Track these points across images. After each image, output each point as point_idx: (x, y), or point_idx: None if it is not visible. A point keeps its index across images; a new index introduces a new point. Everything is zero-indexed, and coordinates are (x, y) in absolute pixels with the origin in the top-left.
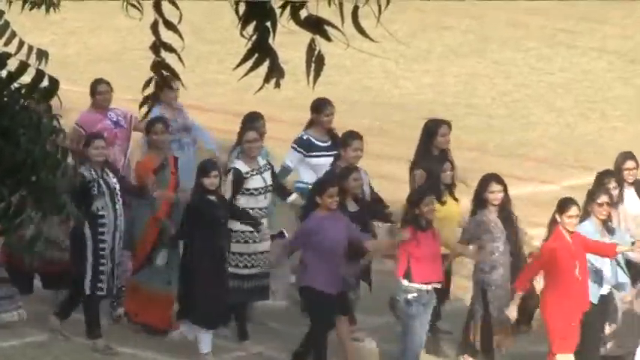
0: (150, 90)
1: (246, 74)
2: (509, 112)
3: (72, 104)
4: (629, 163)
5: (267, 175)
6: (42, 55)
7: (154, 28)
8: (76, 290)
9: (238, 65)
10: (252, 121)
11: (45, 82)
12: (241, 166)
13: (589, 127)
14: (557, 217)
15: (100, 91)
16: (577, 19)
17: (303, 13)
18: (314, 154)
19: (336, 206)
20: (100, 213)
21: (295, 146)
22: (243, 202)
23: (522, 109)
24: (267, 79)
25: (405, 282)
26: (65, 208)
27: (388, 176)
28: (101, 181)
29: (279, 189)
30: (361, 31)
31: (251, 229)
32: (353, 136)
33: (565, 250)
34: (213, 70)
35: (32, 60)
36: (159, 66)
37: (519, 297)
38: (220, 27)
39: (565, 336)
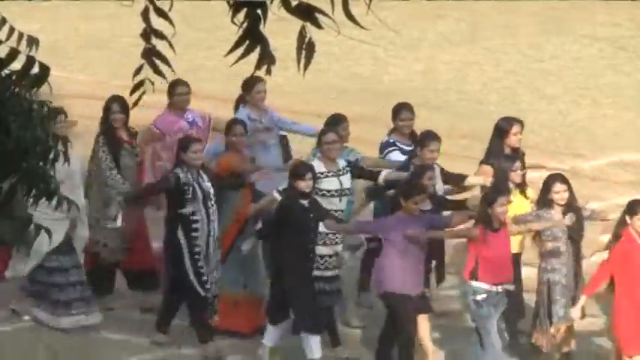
0: (140, 77)
1: (237, 61)
2: (500, 98)
3: (62, 90)
4: None
5: (345, 178)
6: (32, 42)
7: (145, 15)
8: (171, 297)
9: (229, 52)
10: (336, 123)
11: (35, 69)
12: (318, 165)
13: (580, 114)
14: (627, 218)
15: (178, 92)
16: (567, 6)
17: (294, 1)
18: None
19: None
20: (194, 218)
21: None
22: None
23: (513, 96)
24: (258, 67)
25: (473, 283)
26: (56, 195)
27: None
28: (196, 185)
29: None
30: (351, 18)
31: (333, 231)
32: (431, 136)
33: (637, 252)
34: (201, 56)
35: (22, 47)
36: (149, 53)
37: (584, 299)
38: (209, 14)
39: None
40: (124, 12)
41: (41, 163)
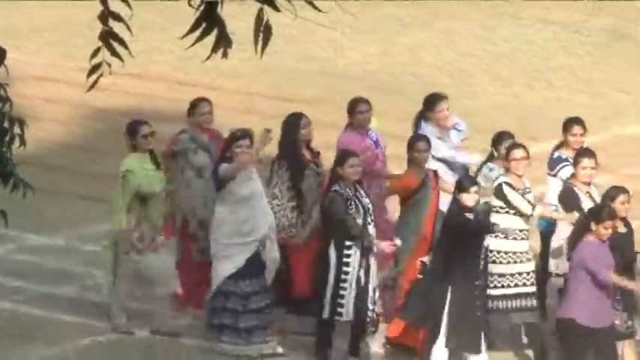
0: (98, 59)
1: (194, 44)
2: (455, 81)
3: (17, 72)
4: None
5: (531, 196)
6: None
7: None
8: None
9: (186, 34)
10: (500, 141)
11: None
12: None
13: (534, 97)
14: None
15: (360, 110)
16: None
17: None
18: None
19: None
20: (349, 235)
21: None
22: None
23: (467, 79)
24: (214, 49)
25: None
26: (12, 177)
27: (333, 145)
28: (356, 201)
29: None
30: (309, 1)
31: (512, 249)
32: (585, 153)
33: None
34: (156, 38)
35: None
36: (107, 35)
37: None
38: None
39: None
40: None
41: None
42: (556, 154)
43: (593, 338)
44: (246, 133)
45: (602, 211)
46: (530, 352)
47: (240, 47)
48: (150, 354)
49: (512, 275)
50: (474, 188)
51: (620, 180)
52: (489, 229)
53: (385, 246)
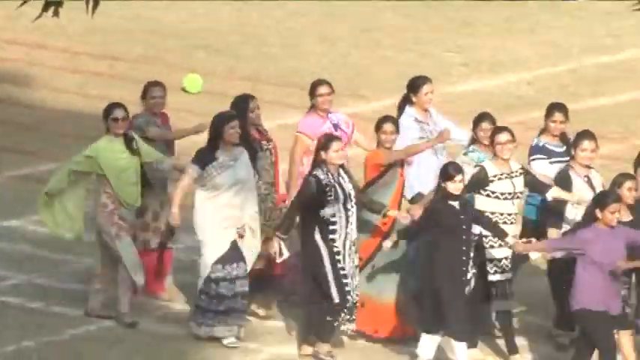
0: None
1: (23, 3)
2: (283, 40)
3: None
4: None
5: (518, 180)
6: None
7: None
8: (313, 308)
9: None
10: (480, 120)
11: None
12: (490, 167)
13: (361, 56)
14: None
15: (320, 93)
16: None
17: None
18: (553, 160)
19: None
20: (332, 219)
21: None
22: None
23: (296, 38)
24: (45, 8)
25: None
26: None
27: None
28: (337, 186)
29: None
30: None
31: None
32: (586, 135)
33: None
34: None
35: None
36: None
37: None
38: None
39: None
40: None
41: None
42: (535, 142)
43: (609, 323)
44: (234, 115)
45: (606, 197)
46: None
47: (68, 5)
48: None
49: (501, 260)
50: (459, 177)
51: None
52: (476, 217)
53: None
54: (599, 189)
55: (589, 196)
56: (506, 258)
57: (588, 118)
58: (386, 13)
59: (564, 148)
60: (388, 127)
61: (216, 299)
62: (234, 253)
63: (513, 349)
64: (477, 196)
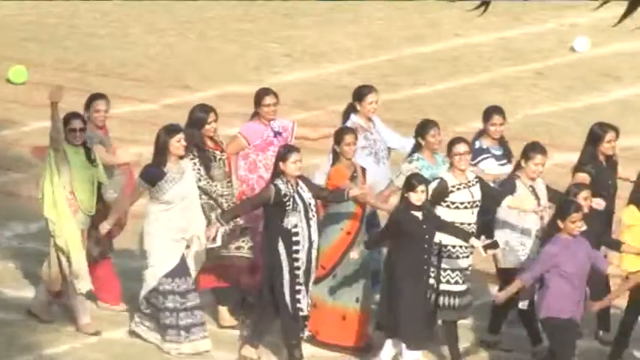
0: None
1: None
2: (110, 31)
3: None
4: None
5: (476, 189)
6: None
7: None
8: (265, 309)
9: None
10: (424, 129)
11: None
12: (448, 178)
13: (188, 47)
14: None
15: (266, 103)
16: None
17: None
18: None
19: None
20: (295, 230)
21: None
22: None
23: (122, 30)
24: None
25: None
26: None
27: None
28: (296, 196)
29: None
30: None
31: (461, 243)
32: (538, 149)
33: None
34: None
35: None
36: None
37: None
38: None
39: None
40: None
41: None
42: (477, 144)
43: (575, 329)
44: (180, 128)
45: (567, 207)
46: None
47: None
48: None
49: (461, 271)
50: (421, 187)
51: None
52: (429, 231)
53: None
54: (543, 198)
55: (534, 204)
56: (466, 269)
57: (408, 107)
58: (211, 5)
59: (502, 151)
60: (350, 138)
61: (168, 312)
62: (183, 267)
63: (457, 357)
64: (437, 207)
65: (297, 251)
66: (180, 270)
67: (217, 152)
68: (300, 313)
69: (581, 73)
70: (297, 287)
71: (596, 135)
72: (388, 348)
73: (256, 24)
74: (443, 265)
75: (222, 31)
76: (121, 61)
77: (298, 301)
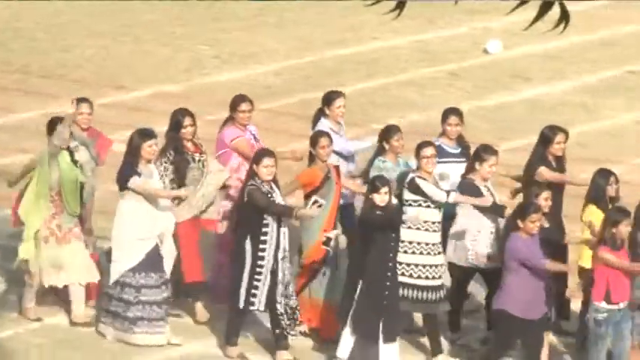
0: None
1: None
2: (51, 35)
3: None
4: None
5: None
6: None
7: None
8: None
9: None
10: (389, 134)
11: None
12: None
13: (123, 50)
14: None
15: (243, 109)
16: None
17: None
18: (443, 160)
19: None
20: (264, 230)
21: None
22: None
23: (63, 33)
24: None
25: (601, 304)
26: None
27: None
28: (272, 197)
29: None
30: None
31: (425, 240)
32: (491, 151)
33: None
34: None
35: None
36: None
37: None
38: None
39: None
40: None
41: None
42: (437, 144)
43: (524, 328)
44: (153, 133)
45: (527, 208)
46: (426, 340)
47: None
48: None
49: (423, 266)
50: (384, 189)
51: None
52: (395, 224)
53: (312, 211)
54: (496, 197)
55: (491, 201)
56: (437, 265)
57: None
58: (144, 10)
59: (459, 149)
60: (325, 141)
61: (123, 303)
62: (147, 264)
63: (437, 349)
64: (405, 207)
65: (263, 249)
66: (144, 266)
67: (197, 154)
68: (251, 308)
69: (494, 74)
70: (255, 283)
71: (546, 137)
72: (346, 341)
73: (187, 27)
74: (413, 261)
75: (156, 35)
76: (61, 63)
77: (254, 295)
